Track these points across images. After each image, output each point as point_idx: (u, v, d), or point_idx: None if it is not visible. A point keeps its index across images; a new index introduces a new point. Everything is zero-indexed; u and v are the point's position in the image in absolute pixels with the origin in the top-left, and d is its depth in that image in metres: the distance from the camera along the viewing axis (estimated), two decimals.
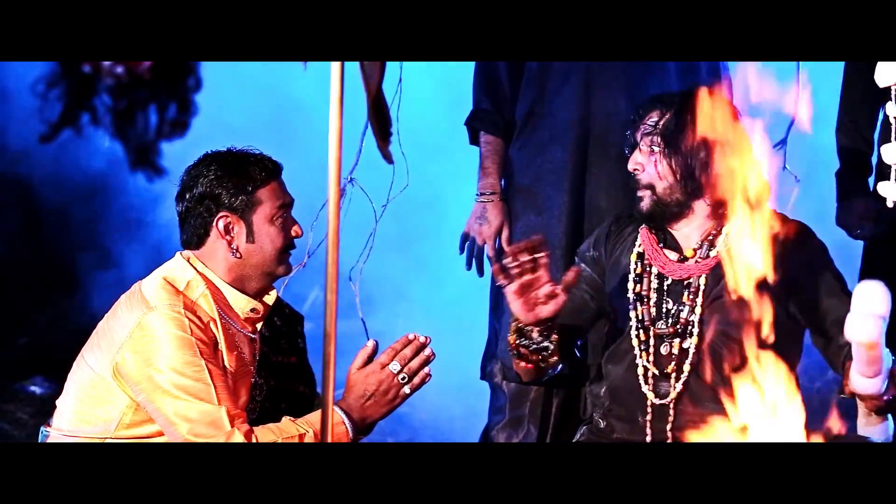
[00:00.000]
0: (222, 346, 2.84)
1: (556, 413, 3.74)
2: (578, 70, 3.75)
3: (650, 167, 3.11)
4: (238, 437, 2.68)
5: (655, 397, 3.11)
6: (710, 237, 3.14)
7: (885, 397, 2.69)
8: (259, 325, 2.97)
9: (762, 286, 3.09)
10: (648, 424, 3.11)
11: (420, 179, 4.52)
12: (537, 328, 2.93)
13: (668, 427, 3.09)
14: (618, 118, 3.68)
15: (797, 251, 3.12)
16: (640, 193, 3.12)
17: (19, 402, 4.95)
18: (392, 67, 3.64)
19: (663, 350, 3.10)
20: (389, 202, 4.09)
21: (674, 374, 3.10)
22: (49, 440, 2.90)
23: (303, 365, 3.17)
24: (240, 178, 2.89)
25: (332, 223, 2.02)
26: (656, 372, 3.12)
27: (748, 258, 2.90)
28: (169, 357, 2.74)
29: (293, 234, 2.96)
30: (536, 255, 2.84)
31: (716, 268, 3.10)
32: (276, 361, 3.07)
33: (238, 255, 2.90)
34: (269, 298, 2.99)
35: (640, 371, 3.13)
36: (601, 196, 3.73)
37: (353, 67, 1.84)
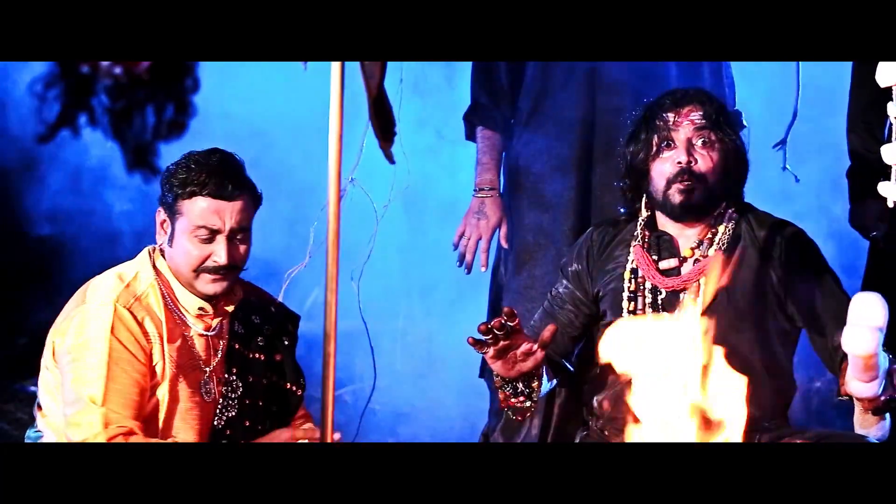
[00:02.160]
0: (164, 337, 2.88)
1: (558, 413, 3.73)
2: (582, 67, 3.74)
3: (704, 161, 3.08)
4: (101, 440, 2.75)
5: None
6: (710, 235, 3.12)
7: (883, 398, 2.68)
8: (214, 322, 2.99)
9: (759, 289, 3.09)
10: None
11: (421, 179, 4.52)
12: (521, 379, 2.99)
13: None
14: (624, 115, 3.68)
15: (791, 252, 3.12)
16: (687, 186, 3.07)
17: (19, 402, 4.95)
18: (393, 67, 3.64)
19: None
20: (390, 202, 4.09)
21: None
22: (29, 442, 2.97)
23: (288, 362, 3.17)
24: (178, 181, 2.90)
25: (332, 223, 2.01)
26: None
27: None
28: (78, 347, 2.81)
29: (212, 260, 2.90)
30: (509, 325, 2.84)
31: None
32: (252, 358, 3.08)
33: (162, 252, 2.95)
34: (229, 305, 3.01)
35: None
36: (607, 193, 3.72)
37: (354, 67, 1.83)
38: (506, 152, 3.92)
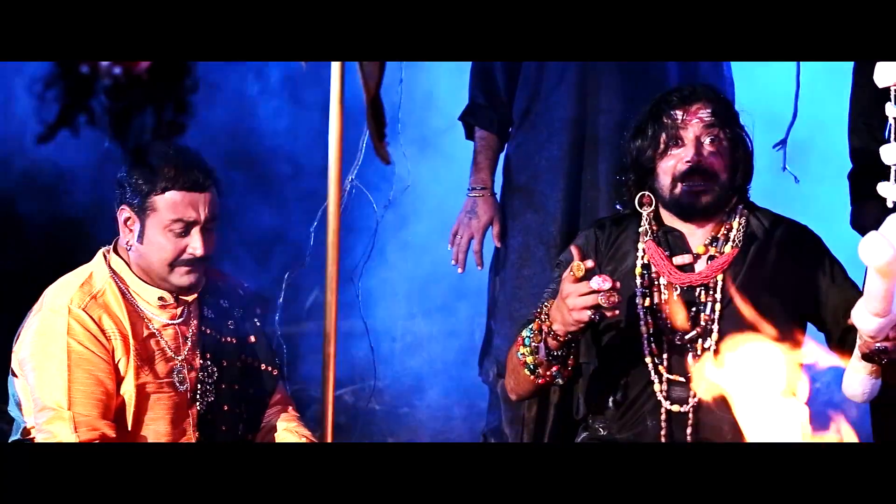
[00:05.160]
0: (128, 332, 2.89)
1: (554, 414, 3.73)
2: (573, 69, 3.75)
3: (714, 159, 3.04)
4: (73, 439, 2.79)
5: (671, 404, 3.07)
6: (725, 231, 3.09)
7: (880, 345, 2.59)
8: (179, 311, 3.00)
9: (769, 289, 3.06)
10: (663, 434, 3.04)
11: (421, 179, 4.51)
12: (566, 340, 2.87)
13: (688, 433, 3.02)
14: (613, 117, 3.69)
15: (798, 251, 3.11)
16: (697, 188, 3.03)
17: None
18: (392, 67, 3.64)
19: (690, 360, 3.03)
20: (391, 202, 4.09)
21: (693, 378, 3.03)
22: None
23: (261, 343, 3.17)
24: (145, 178, 2.88)
25: (333, 223, 2.02)
26: (679, 378, 3.03)
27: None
28: (37, 355, 2.84)
29: (189, 252, 2.91)
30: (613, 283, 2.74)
31: (730, 266, 3.05)
32: (224, 342, 3.09)
33: (131, 249, 2.95)
34: (191, 293, 3.01)
35: (656, 383, 3.04)
36: (597, 195, 3.73)
37: (353, 67, 1.84)
38: (502, 153, 3.93)
